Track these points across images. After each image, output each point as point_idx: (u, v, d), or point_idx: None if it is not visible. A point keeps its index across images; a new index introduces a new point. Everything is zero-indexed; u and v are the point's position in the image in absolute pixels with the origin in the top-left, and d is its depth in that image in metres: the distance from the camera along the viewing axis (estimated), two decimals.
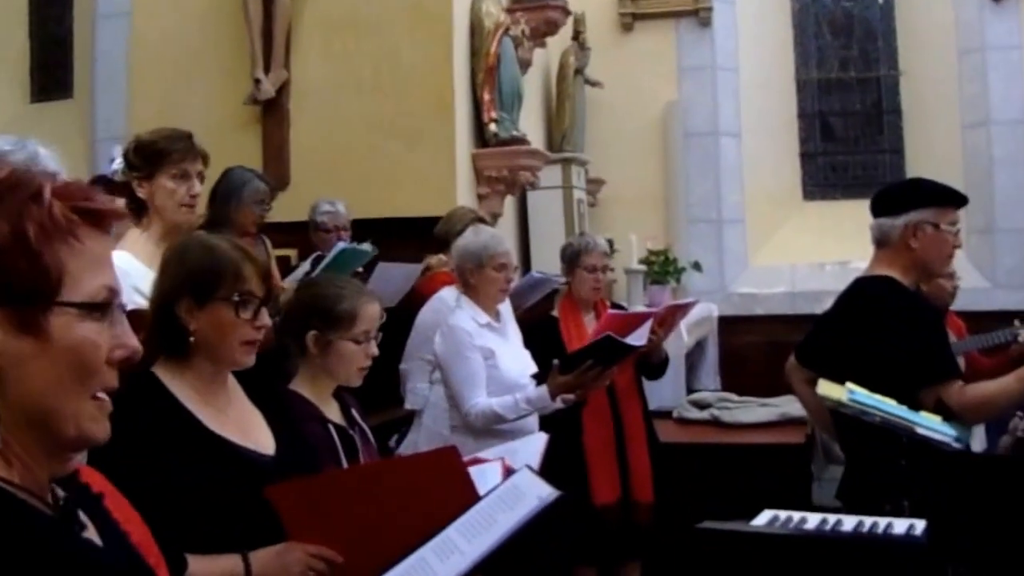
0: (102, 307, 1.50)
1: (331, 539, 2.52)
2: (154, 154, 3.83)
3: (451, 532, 2.46)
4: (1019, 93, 10.76)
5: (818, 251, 11.24)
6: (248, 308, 2.63)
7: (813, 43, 12.07)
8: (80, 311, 1.47)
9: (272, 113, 7.57)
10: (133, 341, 1.55)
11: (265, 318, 2.68)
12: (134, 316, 2.60)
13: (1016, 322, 6.41)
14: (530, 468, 2.79)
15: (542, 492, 2.64)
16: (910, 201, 4.04)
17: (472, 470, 2.83)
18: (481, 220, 6.03)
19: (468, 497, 2.60)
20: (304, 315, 3.30)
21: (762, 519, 2.98)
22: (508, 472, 3.02)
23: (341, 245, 5.46)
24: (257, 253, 4.08)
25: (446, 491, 2.59)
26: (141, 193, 3.82)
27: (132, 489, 1.80)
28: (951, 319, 6.50)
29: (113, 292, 1.52)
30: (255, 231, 5.49)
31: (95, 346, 1.49)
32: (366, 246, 5.54)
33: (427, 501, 2.55)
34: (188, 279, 2.62)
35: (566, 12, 9.18)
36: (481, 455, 3.46)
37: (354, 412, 3.42)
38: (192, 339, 2.60)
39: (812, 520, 2.95)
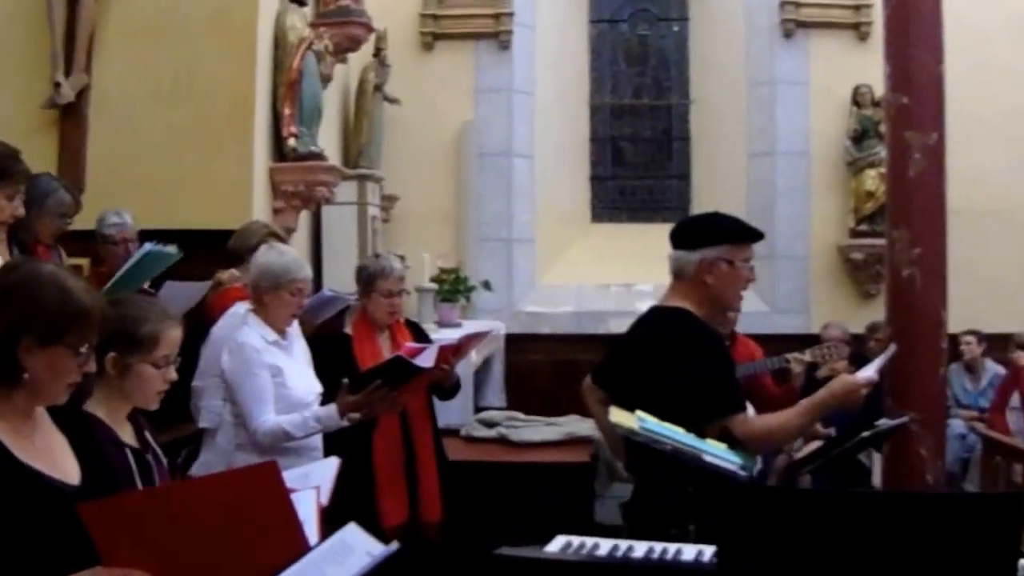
0: None
1: (146, 561, 2.43)
2: None
3: None
4: (803, 126, 11.27)
5: (604, 272, 11.50)
6: (86, 355, 2.60)
7: (608, 69, 12.38)
8: None
9: (70, 118, 7.37)
10: None
11: (92, 362, 2.66)
12: None
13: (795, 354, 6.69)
14: (356, 525, 2.82)
15: (372, 548, 2.69)
16: (707, 237, 4.14)
17: None
18: (275, 235, 5.99)
19: (286, 515, 2.59)
20: (104, 336, 3.22)
21: (556, 545, 3.04)
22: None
23: (148, 247, 5.32)
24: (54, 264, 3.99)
25: (265, 508, 2.57)
26: None
27: None
28: (745, 343, 6.72)
29: None
30: (51, 243, 5.36)
31: None
32: (171, 249, 5.44)
33: (246, 519, 2.52)
34: (38, 319, 2.52)
35: (369, 29, 9.24)
36: None
37: (147, 434, 3.35)
38: (25, 376, 2.51)
39: (604, 546, 3.02)
